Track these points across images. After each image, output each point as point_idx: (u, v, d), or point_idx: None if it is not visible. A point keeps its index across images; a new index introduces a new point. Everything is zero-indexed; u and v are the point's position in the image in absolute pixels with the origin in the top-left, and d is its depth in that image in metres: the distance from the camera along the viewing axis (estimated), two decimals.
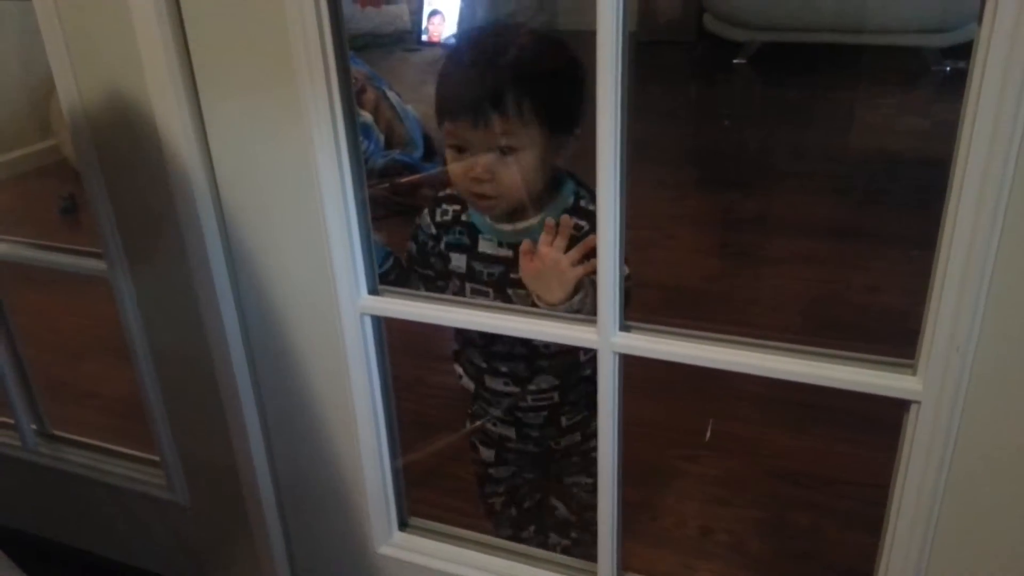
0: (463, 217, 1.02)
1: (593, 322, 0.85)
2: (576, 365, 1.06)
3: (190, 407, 1.11)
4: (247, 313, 1.01)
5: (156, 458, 1.20)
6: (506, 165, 0.93)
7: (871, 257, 2.31)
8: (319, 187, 0.89)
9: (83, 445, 1.31)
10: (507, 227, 1.00)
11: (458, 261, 1.03)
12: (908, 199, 2.61)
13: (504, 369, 1.07)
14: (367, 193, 0.93)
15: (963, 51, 3.73)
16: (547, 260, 0.91)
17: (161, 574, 1.31)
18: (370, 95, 2.92)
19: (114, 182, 1.00)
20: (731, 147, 3.32)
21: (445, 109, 0.95)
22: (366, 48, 3.38)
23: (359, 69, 2.98)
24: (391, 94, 2.95)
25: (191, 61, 0.89)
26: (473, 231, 1.02)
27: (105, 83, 0.94)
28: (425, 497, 1.40)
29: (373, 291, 0.96)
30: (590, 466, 1.15)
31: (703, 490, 1.51)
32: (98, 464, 1.27)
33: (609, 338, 0.84)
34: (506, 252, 1.00)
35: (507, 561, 1.06)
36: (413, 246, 1.07)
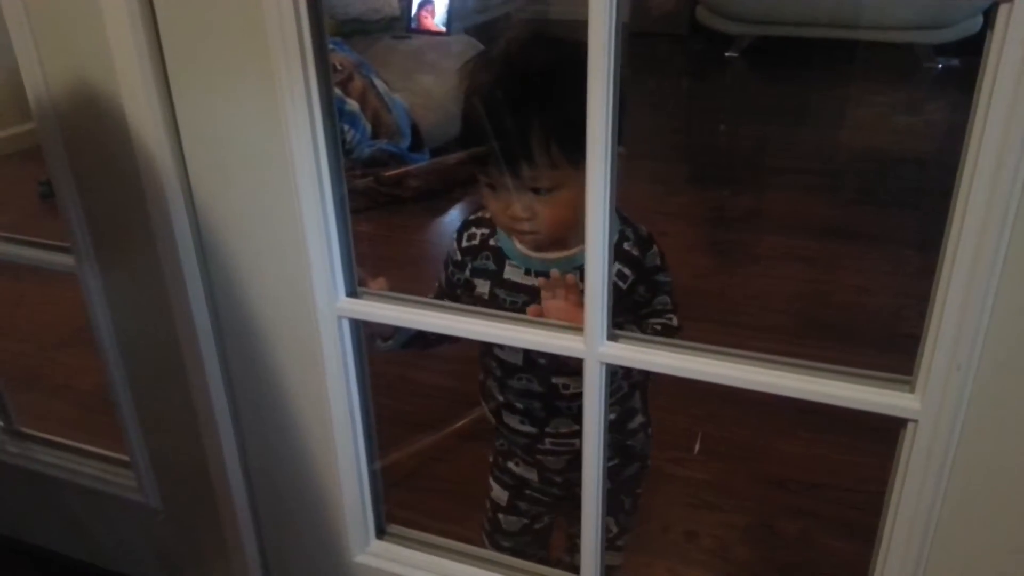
0: (491, 241, 0.96)
1: (580, 331, 0.81)
2: None
3: (161, 409, 1.08)
4: (220, 314, 0.97)
5: (127, 458, 1.16)
6: (545, 203, 0.87)
7: (861, 256, 2.29)
8: (295, 182, 0.85)
9: (52, 443, 1.27)
10: (538, 255, 0.93)
11: (482, 288, 0.96)
12: (898, 198, 2.60)
13: (520, 406, 0.99)
14: (346, 188, 0.89)
15: (955, 48, 3.71)
16: (555, 313, 0.86)
17: None
18: (357, 83, 2.86)
19: (82, 175, 0.95)
20: (722, 143, 3.30)
21: (474, 153, 0.88)
22: (353, 35, 3.31)
23: (346, 56, 2.93)
24: (379, 82, 2.90)
25: (162, 49, 0.85)
26: (500, 256, 0.95)
27: (73, 72, 0.89)
28: (405, 499, 1.37)
29: (352, 293, 0.92)
30: (621, 522, 1.10)
31: (690, 494, 1.49)
32: (67, 464, 1.23)
33: (596, 348, 0.81)
34: (533, 281, 0.93)
35: (488, 572, 1.03)
36: (443, 276, 1.01)
